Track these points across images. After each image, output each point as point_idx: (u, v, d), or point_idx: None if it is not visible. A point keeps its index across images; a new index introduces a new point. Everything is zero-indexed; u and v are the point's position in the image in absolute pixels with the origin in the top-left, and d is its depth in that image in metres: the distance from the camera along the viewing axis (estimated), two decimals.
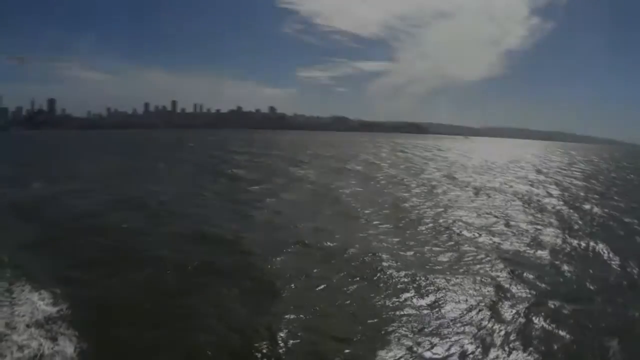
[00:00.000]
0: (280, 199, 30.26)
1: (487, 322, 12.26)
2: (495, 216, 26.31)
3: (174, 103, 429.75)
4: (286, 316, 12.30)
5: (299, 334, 11.42)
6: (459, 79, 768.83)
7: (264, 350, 10.69)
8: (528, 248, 19.80)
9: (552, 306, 13.39)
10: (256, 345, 10.86)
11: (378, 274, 15.72)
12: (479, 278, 15.61)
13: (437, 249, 19.23)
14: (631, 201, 35.46)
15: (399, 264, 16.81)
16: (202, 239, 19.56)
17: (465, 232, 22.09)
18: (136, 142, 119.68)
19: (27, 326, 11.11)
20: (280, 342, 11.02)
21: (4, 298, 12.64)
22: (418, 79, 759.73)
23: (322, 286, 14.64)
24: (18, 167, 49.68)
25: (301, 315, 12.45)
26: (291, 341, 11.08)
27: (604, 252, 19.49)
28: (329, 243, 19.23)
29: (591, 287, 15.33)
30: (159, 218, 23.70)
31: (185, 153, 76.10)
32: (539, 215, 27.05)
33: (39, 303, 12.38)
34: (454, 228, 22.91)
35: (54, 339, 10.63)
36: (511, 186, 41.15)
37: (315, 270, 15.95)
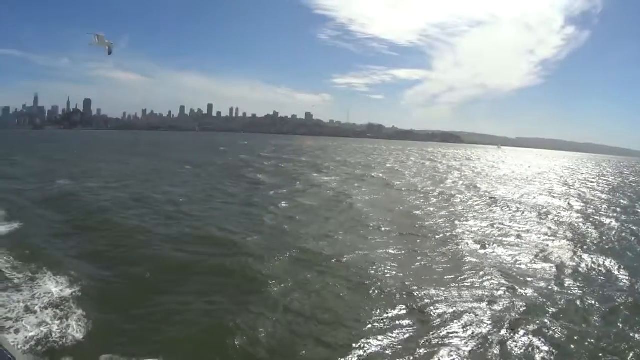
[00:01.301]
0: (295, 204, 30.53)
1: (475, 338, 12.01)
2: (507, 228, 25.85)
3: (209, 106, 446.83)
4: (271, 317, 12.67)
5: (281, 335, 11.80)
6: (494, 88, 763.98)
7: (243, 346, 11.15)
8: (534, 262, 19.31)
9: (549, 324, 13.01)
10: (236, 342, 11.29)
11: (374, 283, 15.64)
12: (476, 292, 15.34)
13: (440, 259, 19.02)
14: None
15: (397, 273, 16.79)
16: (207, 240, 20.16)
17: (471, 244, 21.81)
18: (168, 144, 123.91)
19: (44, 309, 12.37)
20: (261, 340, 11.46)
21: (26, 285, 14.05)
22: (454, 87, 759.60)
23: (314, 291, 14.82)
24: (48, 165, 52.98)
25: (287, 317, 12.78)
26: (271, 340, 11.46)
27: (614, 270, 18.80)
28: (331, 249, 19.36)
29: (595, 306, 14.75)
30: (170, 218, 24.56)
31: (214, 156, 77.65)
32: (554, 228, 26.42)
33: (55, 290, 13.71)
34: (461, 239, 22.71)
35: (65, 319, 11.89)
36: (533, 198, 40.53)
37: (311, 275, 16.16)
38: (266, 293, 14.34)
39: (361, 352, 11.09)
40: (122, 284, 14.92)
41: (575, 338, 12.25)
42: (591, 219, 30.48)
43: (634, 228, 28.11)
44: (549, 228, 26.61)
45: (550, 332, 12.51)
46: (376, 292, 14.97)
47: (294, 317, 12.85)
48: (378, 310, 13.51)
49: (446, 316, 13.22)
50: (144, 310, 12.91)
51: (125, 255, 17.72)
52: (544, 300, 14.93)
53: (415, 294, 14.74)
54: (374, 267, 17.28)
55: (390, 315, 13.25)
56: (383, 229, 24.02)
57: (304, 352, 11.09)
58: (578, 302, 14.97)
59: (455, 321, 12.90)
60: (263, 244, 19.63)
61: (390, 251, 19.81)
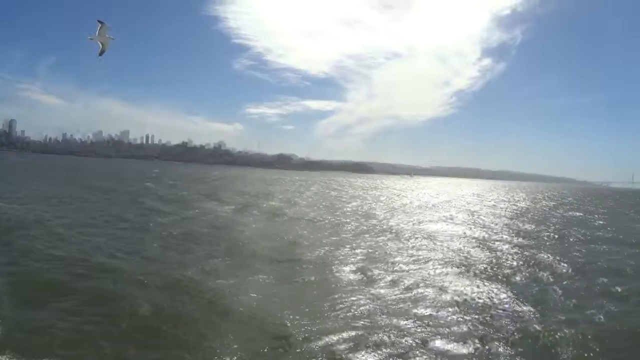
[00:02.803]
0: (183, 231, 30.84)
1: None
2: (394, 255, 26.37)
3: (125, 133, 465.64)
4: (135, 338, 13.50)
5: (141, 355, 12.63)
6: (408, 119, 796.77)
7: None
8: (415, 289, 19.56)
9: (419, 350, 13.34)
10: None
11: (239, 309, 15.99)
12: (345, 320, 15.55)
13: (314, 287, 19.44)
14: (560, 240, 36.37)
15: (266, 300, 17.21)
16: (87, 263, 20.66)
17: (352, 271, 22.17)
18: (81, 170, 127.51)
19: None
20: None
21: None
22: (367, 118, 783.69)
23: (178, 315, 15.28)
24: None
25: (150, 340, 13.51)
26: None
27: (501, 295, 19.16)
28: (204, 276, 19.88)
29: (473, 331, 15.05)
30: (61, 240, 25.34)
31: (121, 183, 79.20)
32: (445, 255, 27.11)
33: None
34: (342, 267, 23.02)
35: None
36: (431, 225, 41.89)
37: (178, 301, 16.46)
38: (132, 317, 14.87)
39: None
40: (12, 297, 16.11)
41: None
42: (487, 245, 31.61)
43: (531, 252, 29.21)
44: (440, 255, 27.34)
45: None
46: (239, 318, 15.38)
47: (156, 339, 13.57)
48: (238, 336, 13.90)
49: (304, 341, 13.53)
50: (21, 323, 13.97)
51: (18, 272, 19.00)
52: (418, 326, 15.22)
53: (279, 321, 15.07)
54: (244, 294, 17.68)
55: (247, 341, 13.64)
56: (262, 257, 24.44)
57: None
58: (455, 328, 15.27)
59: (313, 347, 13.25)
60: (139, 270, 20.12)
61: (264, 279, 20.30)
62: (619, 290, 21.00)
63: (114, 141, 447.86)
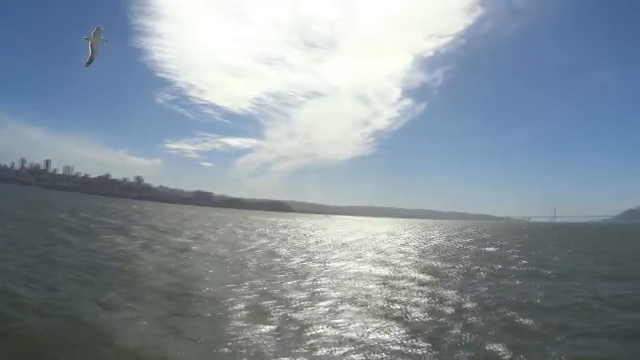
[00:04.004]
0: (80, 263, 30.72)
1: None
2: (286, 293, 26.44)
3: (47, 162, 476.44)
4: None
5: None
6: (327, 158, 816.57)
7: None
8: (303, 330, 19.24)
9: None
10: None
11: (125, 342, 16.13)
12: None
13: (200, 323, 19.52)
14: (469, 276, 36.67)
15: (149, 337, 17.10)
16: None
17: (241, 309, 22.00)
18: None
19: None
20: None
21: None
22: (286, 157, 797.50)
23: (57, 345, 15.61)
24: None
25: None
26: None
27: (396, 336, 18.86)
28: (95, 308, 20.04)
29: None
30: None
31: (37, 212, 78.61)
32: (341, 294, 26.89)
33: None
34: (232, 304, 22.83)
35: None
36: (337, 263, 42.20)
37: (57, 330, 16.75)
38: (22, 340, 15.57)
39: None
40: None
41: None
42: (391, 283, 31.51)
43: (437, 289, 29.43)
44: (338, 293, 27.31)
45: None
46: (126, 349, 15.66)
47: None
48: None
49: None
50: None
51: None
52: None
53: (166, 354, 15.50)
54: (135, 327, 17.96)
55: None
56: (160, 291, 24.75)
57: None
58: None
59: None
60: (36, 296, 20.60)
61: (158, 312, 20.54)
62: (529, 324, 21.33)
63: (37, 170, 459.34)
